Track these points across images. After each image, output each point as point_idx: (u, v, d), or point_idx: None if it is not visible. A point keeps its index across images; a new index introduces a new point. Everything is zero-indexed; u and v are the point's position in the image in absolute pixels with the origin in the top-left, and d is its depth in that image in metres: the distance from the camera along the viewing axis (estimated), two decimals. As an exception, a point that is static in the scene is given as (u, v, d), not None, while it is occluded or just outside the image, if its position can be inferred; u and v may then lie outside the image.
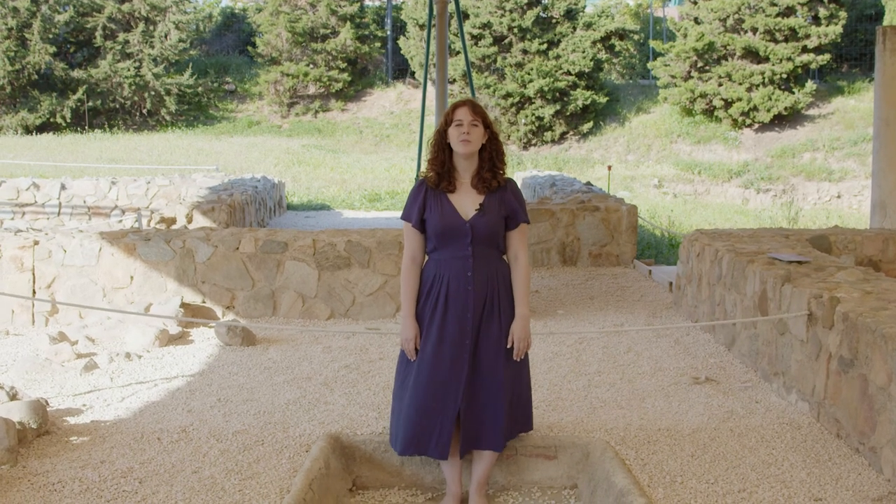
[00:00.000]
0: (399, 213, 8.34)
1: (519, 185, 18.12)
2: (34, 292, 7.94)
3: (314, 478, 4.49)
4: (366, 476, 5.01)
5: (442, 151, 3.86)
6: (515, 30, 29.54)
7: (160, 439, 5.02)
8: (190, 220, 11.29)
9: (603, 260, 10.90)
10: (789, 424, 5.21)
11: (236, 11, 39.93)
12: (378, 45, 34.77)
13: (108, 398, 5.77)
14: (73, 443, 4.97)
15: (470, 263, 3.80)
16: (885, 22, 26.30)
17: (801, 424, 5.20)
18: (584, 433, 5.08)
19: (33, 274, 7.98)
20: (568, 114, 29.24)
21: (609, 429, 5.15)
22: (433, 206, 3.84)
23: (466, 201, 3.83)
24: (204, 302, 7.95)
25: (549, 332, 7.28)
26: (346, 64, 33.06)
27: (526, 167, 25.05)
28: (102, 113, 31.43)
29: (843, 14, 28.66)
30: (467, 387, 3.95)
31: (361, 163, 25.45)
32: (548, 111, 28.70)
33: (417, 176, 13.65)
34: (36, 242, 8.02)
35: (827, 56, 28.50)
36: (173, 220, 11.34)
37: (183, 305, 7.73)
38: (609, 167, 14.45)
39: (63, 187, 15.56)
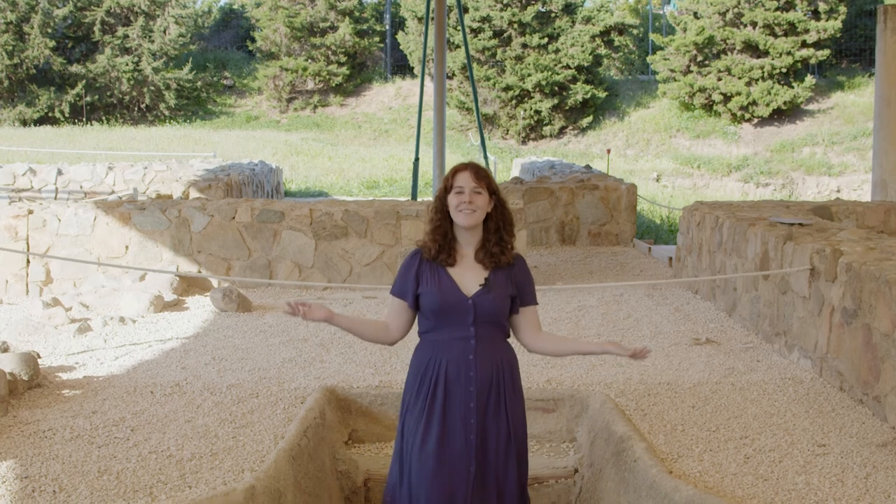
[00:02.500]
0: (398, 198, 8.15)
1: (517, 171, 17.95)
2: (28, 262, 7.86)
3: (309, 426, 4.42)
4: (362, 429, 4.94)
5: (444, 220, 3.30)
6: (515, 24, 29.50)
7: (153, 393, 4.95)
8: (186, 198, 11.22)
9: (602, 239, 10.83)
10: (791, 379, 5.14)
11: (235, 7, 39.87)
12: (377, 39, 34.71)
13: (101, 357, 5.70)
14: (65, 395, 4.90)
15: (472, 346, 3.26)
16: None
17: (803, 379, 5.14)
18: (584, 387, 5.02)
19: (27, 243, 7.90)
20: (567, 108, 29.19)
21: (608, 383, 5.09)
22: (429, 281, 3.30)
23: (468, 276, 3.30)
24: (200, 272, 7.87)
25: (549, 297, 7.22)
26: (345, 58, 33.00)
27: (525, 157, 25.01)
28: (101, 108, 31.33)
29: (842, 9, 28.61)
30: (475, 493, 3.30)
31: (360, 153, 25.41)
32: (546, 105, 28.64)
33: (416, 161, 13.75)
34: (30, 212, 7.95)
35: (826, 51, 28.44)
36: (170, 198, 11.26)
37: (178, 274, 7.65)
38: (608, 150, 14.37)
39: (60, 172, 15.49)
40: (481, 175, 3.29)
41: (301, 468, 4.12)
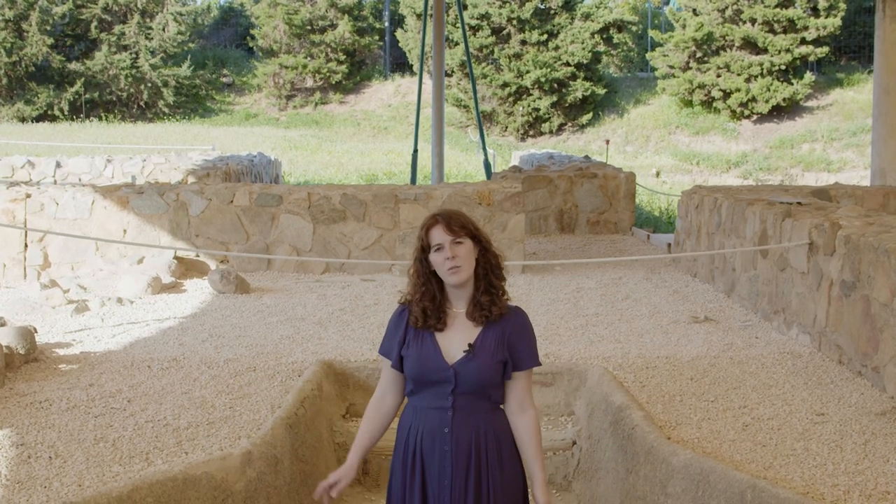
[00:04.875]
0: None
1: (517, 162, 17.83)
2: (26, 246, 7.85)
3: (306, 397, 4.41)
4: (360, 403, 4.92)
5: (429, 282, 2.95)
6: (514, 21, 29.51)
7: (150, 367, 4.94)
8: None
9: (601, 227, 10.81)
10: (790, 354, 5.13)
11: (234, 6, 39.90)
12: (376, 37, 34.73)
13: (98, 335, 5.69)
14: (62, 369, 4.88)
15: (449, 417, 2.92)
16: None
17: (801, 354, 5.13)
18: (582, 361, 5.01)
19: (25, 227, 7.88)
20: (566, 105, 29.19)
21: (606, 357, 5.08)
22: (412, 343, 2.98)
23: (456, 339, 2.94)
24: (198, 256, 7.86)
25: (547, 280, 7.20)
26: (344, 56, 33.03)
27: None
28: (100, 105, 31.35)
29: (842, 6, 28.62)
30: None
31: (359, 148, 25.42)
32: (545, 102, 28.63)
33: (415, 152, 13.75)
34: (28, 196, 7.94)
35: (826, 48, 28.46)
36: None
37: (177, 258, 7.64)
38: (607, 141, 14.37)
39: (58, 165, 15.49)
40: (455, 224, 2.93)
41: (298, 437, 4.12)
